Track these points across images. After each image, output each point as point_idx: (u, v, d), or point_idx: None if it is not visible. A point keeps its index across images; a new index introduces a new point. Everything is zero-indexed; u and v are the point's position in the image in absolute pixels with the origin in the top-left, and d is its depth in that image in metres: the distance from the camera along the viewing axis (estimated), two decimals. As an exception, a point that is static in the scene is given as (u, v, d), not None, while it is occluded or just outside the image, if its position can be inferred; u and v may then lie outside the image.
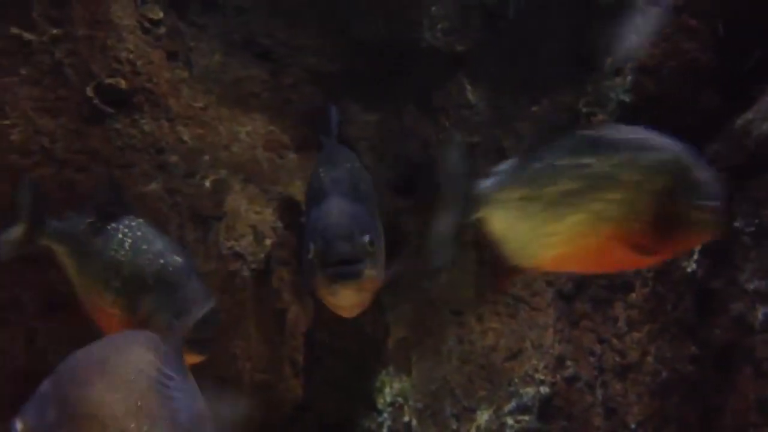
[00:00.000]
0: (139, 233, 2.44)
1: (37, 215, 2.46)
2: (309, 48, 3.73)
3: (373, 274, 2.55)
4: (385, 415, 3.55)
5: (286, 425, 3.15)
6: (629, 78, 3.29)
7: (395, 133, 3.90)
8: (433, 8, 3.75)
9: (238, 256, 2.89)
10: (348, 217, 2.55)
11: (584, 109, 3.47)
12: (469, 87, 3.86)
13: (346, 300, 2.55)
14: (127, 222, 2.46)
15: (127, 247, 2.42)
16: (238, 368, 2.86)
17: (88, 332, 2.78)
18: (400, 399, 3.57)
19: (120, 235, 2.43)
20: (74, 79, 2.78)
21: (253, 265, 2.91)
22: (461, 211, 2.29)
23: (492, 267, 2.53)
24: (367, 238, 2.52)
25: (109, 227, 2.45)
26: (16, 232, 2.46)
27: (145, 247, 2.41)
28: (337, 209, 2.57)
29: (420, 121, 3.89)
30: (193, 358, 2.24)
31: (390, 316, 3.68)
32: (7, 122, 2.69)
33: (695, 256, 2.94)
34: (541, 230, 2.25)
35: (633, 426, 3.12)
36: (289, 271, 3.02)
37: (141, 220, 2.48)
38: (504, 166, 2.34)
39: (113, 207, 2.47)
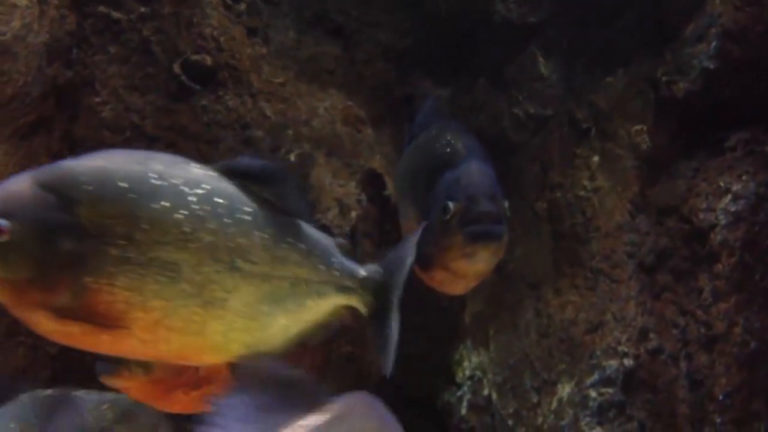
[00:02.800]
0: None
1: None
2: (381, 23, 3.73)
3: (506, 241, 2.52)
4: (465, 388, 3.55)
5: (370, 398, 3.17)
6: (713, 44, 3.22)
7: (467, 107, 3.88)
8: (506, -21, 3.72)
9: (325, 228, 2.91)
10: (490, 179, 2.53)
11: (664, 79, 3.41)
12: (541, 59, 3.82)
13: (480, 265, 2.51)
14: None
15: None
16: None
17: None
18: (479, 373, 3.57)
19: None
20: (161, 56, 2.82)
21: (339, 238, 2.93)
22: None
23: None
24: (506, 203, 2.50)
25: None
26: None
27: None
28: (478, 171, 2.54)
29: (492, 94, 3.87)
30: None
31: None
32: (98, 99, 2.74)
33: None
34: None
35: (721, 397, 3.08)
36: (373, 244, 3.03)
37: None
38: None
39: None
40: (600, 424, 3.28)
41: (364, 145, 3.21)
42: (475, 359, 3.58)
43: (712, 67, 3.22)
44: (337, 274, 2.05)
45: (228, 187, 1.92)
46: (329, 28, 3.61)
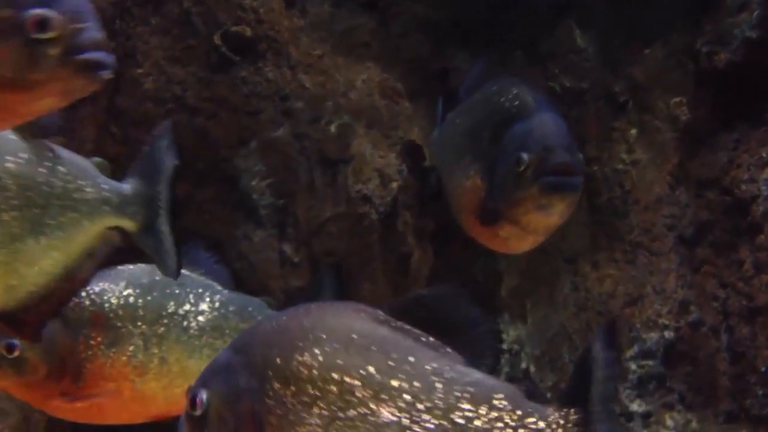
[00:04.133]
0: None
1: None
2: (416, -4, 3.71)
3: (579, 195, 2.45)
4: (503, 361, 3.55)
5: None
6: (756, 13, 3.17)
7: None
8: (543, -50, 3.68)
9: (366, 199, 2.90)
10: (565, 129, 2.49)
11: (704, 49, 3.36)
12: (578, 31, 3.78)
13: (554, 218, 2.47)
14: None
15: None
16: (367, 311, 2.88)
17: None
18: (516, 346, 3.57)
19: None
20: (202, 27, 2.82)
21: (381, 209, 2.93)
22: None
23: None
24: (581, 156, 2.46)
25: None
26: None
27: None
28: (552, 121, 2.50)
29: (527, 67, 3.84)
30: None
31: (502, 265, 3.67)
32: (140, 71, 2.75)
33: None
34: None
35: (762, 369, 3.06)
36: (413, 215, 3.03)
37: None
38: None
39: None
40: (640, 396, 3.27)
41: (402, 117, 3.20)
42: (512, 333, 3.57)
43: (754, 36, 3.17)
44: (106, 193, 2.00)
45: None
46: (364, 1, 3.59)
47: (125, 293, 2.34)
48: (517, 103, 2.60)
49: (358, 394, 1.64)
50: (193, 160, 2.79)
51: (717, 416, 3.21)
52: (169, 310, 2.35)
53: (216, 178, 2.87)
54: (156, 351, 2.32)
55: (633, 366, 3.29)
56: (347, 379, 1.64)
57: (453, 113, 2.93)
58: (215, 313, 2.39)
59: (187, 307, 2.36)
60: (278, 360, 1.69)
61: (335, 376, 1.64)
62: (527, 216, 2.47)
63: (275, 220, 2.86)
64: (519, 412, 1.64)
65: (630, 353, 3.30)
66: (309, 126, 2.91)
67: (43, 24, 1.64)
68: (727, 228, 3.28)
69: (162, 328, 2.33)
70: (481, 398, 1.62)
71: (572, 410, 1.66)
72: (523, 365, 3.50)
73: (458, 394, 1.63)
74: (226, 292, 2.45)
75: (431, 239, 3.24)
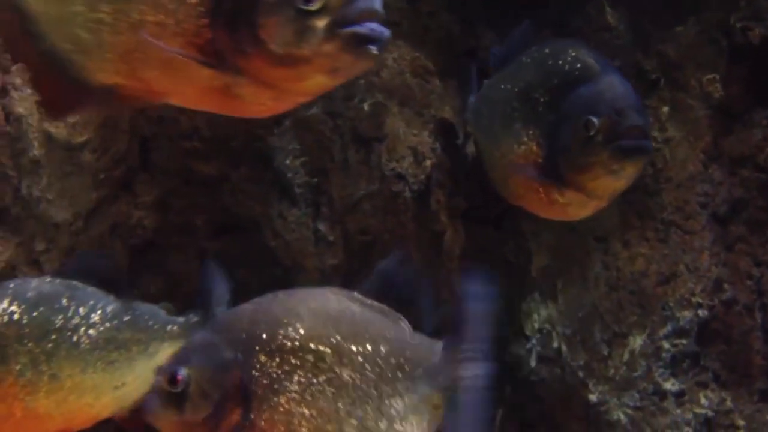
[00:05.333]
0: None
1: None
2: (445, -26, 3.68)
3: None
4: (534, 341, 3.54)
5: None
6: (794, -14, 3.13)
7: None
8: (573, -75, 3.64)
9: (400, 177, 2.90)
10: (633, 92, 2.45)
11: (738, 25, 3.32)
12: (608, 8, 3.74)
13: (623, 182, 2.42)
14: None
15: None
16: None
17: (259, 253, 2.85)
18: (548, 325, 3.56)
19: None
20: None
21: (414, 187, 2.92)
22: None
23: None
24: (650, 119, 2.42)
25: None
26: None
27: None
28: (620, 83, 2.45)
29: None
30: None
31: (532, 244, 3.65)
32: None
33: None
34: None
35: (798, 348, 3.04)
36: (445, 194, 3.02)
37: None
38: None
39: None
40: (674, 375, 3.26)
41: (434, 96, 3.19)
42: (543, 312, 3.56)
43: (792, 10, 3.14)
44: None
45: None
46: (393, -19, 3.57)
47: (9, 310, 2.30)
48: (578, 65, 2.53)
49: (327, 360, 1.91)
50: (228, 140, 2.79)
51: (751, 395, 3.20)
52: (57, 325, 2.31)
53: (250, 157, 2.87)
54: (45, 368, 2.28)
55: (666, 345, 3.28)
56: (321, 348, 1.91)
57: (493, 79, 2.87)
58: (107, 325, 2.35)
59: (76, 320, 2.32)
60: (264, 335, 1.91)
61: (312, 346, 1.89)
62: (596, 182, 2.40)
63: (309, 199, 2.86)
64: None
65: (663, 332, 3.29)
66: (342, 104, 2.90)
67: None
68: (761, 206, 3.25)
69: (50, 345, 2.29)
70: (417, 359, 1.97)
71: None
72: (555, 345, 3.49)
73: (400, 357, 1.96)
74: (119, 303, 2.41)
75: (462, 218, 3.23)
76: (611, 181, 2.40)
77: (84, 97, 1.79)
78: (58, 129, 2.74)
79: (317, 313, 1.95)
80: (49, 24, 1.73)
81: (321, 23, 1.56)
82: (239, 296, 2.20)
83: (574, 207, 2.51)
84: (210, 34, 1.59)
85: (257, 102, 1.69)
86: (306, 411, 1.87)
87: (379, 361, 1.94)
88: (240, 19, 1.57)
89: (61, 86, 1.77)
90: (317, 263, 2.83)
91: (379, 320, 2.00)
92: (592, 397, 3.36)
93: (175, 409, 1.90)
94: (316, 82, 1.65)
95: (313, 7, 1.55)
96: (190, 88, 1.68)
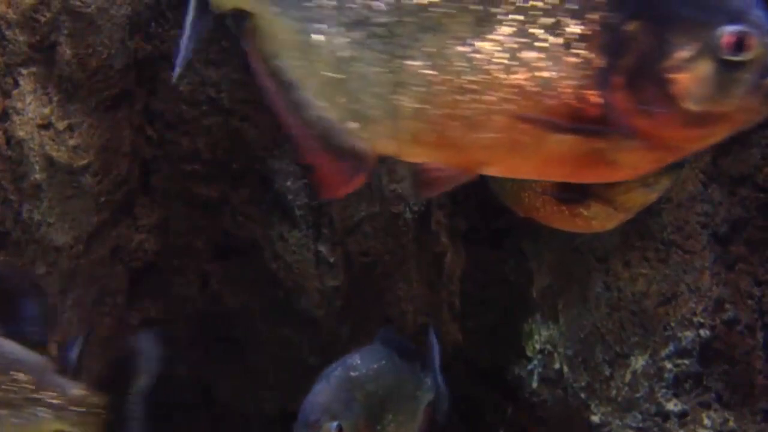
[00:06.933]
0: None
1: None
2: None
3: None
4: (535, 362, 3.53)
5: (443, 370, 3.17)
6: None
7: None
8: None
9: (401, 198, 2.90)
10: None
11: None
12: None
13: (654, 194, 2.30)
14: None
15: None
16: (402, 310, 2.89)
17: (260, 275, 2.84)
18: (549, 346, 3.55)
19: None
20: (235, 29, 2.83)
21: (415, 208, 2.93)
22: None
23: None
24: None
25: None
26: None
27: None
28: None
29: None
30: None
31: (533, 264, 3.65)
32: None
33: None
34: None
35: (801, 367, 3.03)
36: (446, 215, 3.02)
37: None
38: None
39: None
40: (676, 395, 3.24)
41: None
42: (545, 333, 3.55)
43: (788, 30, 3.16)
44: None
45: None
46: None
47: None
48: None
49: None
50: (228, 162, 2.80)
51: (754, 414, 3.18)
52: None
53: (251, 179, 2.88)
54: None
55: (668, 365, 3.27)
56: None
57: None
58: None
59: None
60: None
61: None
62: (626, 195, 2.31)
63: (310, 221, 2.86)
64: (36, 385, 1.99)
65: (665, 352, 3.28)
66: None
67: (739, 44, 1.38)
68: (761, 225, 3.25)
69: None
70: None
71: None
72: (556, 366, 3.48)
73: None
74: None
75: (463, 238, 3.23)
76: (643, 194, 2.30)
77: (363, 169, 1.64)
78: (59, 153, 2.75)
79: None
80: (323, 91, 1.54)
81: (747, 75, 1.41)
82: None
83: (599, 220, 2.39)
84: (598, 98, 1.41)
85: (631, 166, 1.49)
86: None
87: None
88: (645, 76, 1.41)
89: (337, 159, 1.62)
90: (318, 285, 2.83)
91: None
92: (595, 419, 3.34)
93: None
94: (718, 138, 1.50)
95: (745, 57, 1.40)
96: (532, 157, 1.47)
